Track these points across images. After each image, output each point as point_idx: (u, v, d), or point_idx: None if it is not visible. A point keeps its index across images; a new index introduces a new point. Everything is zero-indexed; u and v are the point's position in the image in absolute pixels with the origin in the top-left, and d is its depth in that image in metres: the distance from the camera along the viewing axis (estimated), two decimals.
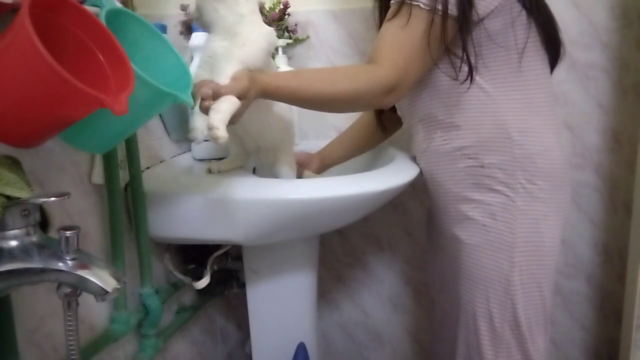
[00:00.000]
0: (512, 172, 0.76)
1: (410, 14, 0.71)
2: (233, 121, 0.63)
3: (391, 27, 0.74)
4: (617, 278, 1.16)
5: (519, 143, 0.75)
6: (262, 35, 0.72)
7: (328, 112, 0.92)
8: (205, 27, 0.75)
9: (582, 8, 1.06)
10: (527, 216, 0.76)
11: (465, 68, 0.73)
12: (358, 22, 1.17)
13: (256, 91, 0.66)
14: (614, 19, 1.07)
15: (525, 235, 0.77)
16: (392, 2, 0.73)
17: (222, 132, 0.59)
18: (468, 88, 0.75)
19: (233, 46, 0.70)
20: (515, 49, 0.74)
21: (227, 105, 0.61)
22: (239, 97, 0.63)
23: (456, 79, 0.75)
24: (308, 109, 0.84)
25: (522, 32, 0.75)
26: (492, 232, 0.77)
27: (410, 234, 1.26)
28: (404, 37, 0.72)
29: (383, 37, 0.75)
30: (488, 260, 0.78)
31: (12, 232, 0.49)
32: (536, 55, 0.77)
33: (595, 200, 1.15)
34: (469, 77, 0.74)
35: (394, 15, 0.73)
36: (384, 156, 1.01)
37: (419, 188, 1.19)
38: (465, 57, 0.72)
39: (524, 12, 0.74)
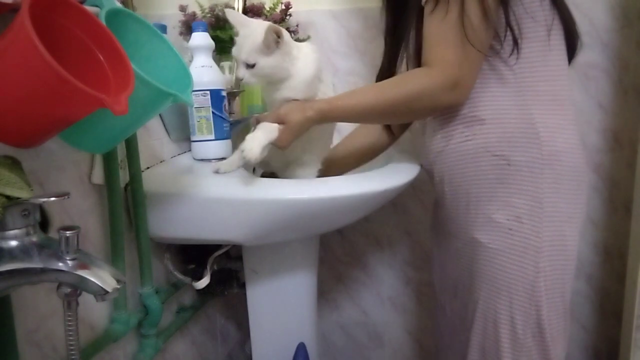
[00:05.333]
0: (540, 171, 0.72)
1: (448, 4, 0.69)
2: (281, 145, 0.74)
3: (432, 23, 0.72)
4: (617, 278, 1.16)
5: (545, 139, 0.72)
6: (301, 76, 0.79)
7: (393, 122, 0.96)
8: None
9: (582, 8, 1.06)
10: (552, 218, 0.73)
11: (510, 41, 0.71)
12: (358, 22, 1.17)
13: (305, 117, 0.75)
14: (614, 19, 1.07)
15: (550, 238, 0.74)
16: (424, 2, 0.72)
17: (250, 154, 0.70)
18: (516, 60, 0.72)
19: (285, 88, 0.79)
20: (545, 25, 0.72)
21: (260, 132, 0.73)
22: (277, 122, 0.74)
23: (498, 54, 0.73)
24: (373, 123, 0.94)
25: (549, 11, 0.73)
26: (517, 235, 0.74)
27: (410, 234, 1.26)
28: (447, 30, 0.70)
29: (427, 36, 0.74)
30: (512, 265, 0.75)
31: (12, 232, 0.49)
32: (559, 43, 0.76)
33: (595, 200, 1.15)
34: (515, 48, 0.71)
35: (432, 10, 0.71)
36: (384, 156, 1.01)
37: (419, 188, 1.19)
38: (509, 29, 0.70)
39: None
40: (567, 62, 0.78)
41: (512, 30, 0.70)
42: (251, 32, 0.76)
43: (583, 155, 0.77)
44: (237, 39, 0.79)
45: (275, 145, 0.75)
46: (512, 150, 0.74)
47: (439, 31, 0.71)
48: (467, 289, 0.83)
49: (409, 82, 0.75)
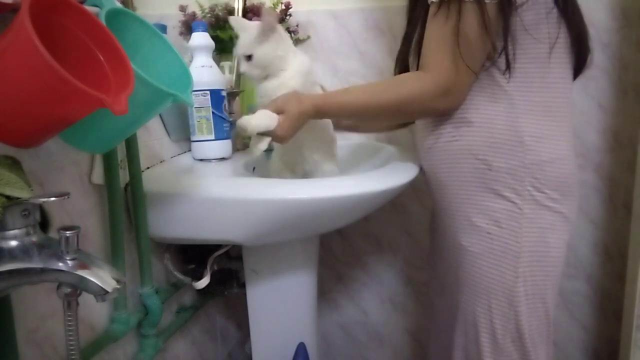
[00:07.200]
0: (520, 178, 0.73)
1: (448, 10, 0.69)
2: (281, 134, 0.73)
3: (432, 29, 0.72)
4: (617, 278, 1.16)
5: (530, 149, 0.72)
6: (297, 66, 0.84)
7: (384, 122, 0.99)
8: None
9: (582, 8, 1.05)
10: (533, 225, 0.73)
11: (503, 58, 0.71)
12: (358, 22, 1.17)
13: (302, 109, 0.74)
14: (614, 19, 1.07)
15: (531, 244, 0.74)
16: (430, 2, 0.72)
17: (246, 123, 0.70)
18: (509, 78, 0.72)
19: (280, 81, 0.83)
20: (547, 42, 0.71)
21: (258, 115, 0.73)
22: (276, 112, 0.73)
23: (496, 64, 0.72)
24: (365, 121, 0.96)
25: (554, 28, 0.72)
26: (496, 240, 0.74)
27: (410, 234, 1.26)
28: (445, 36, 0.70)
29: (427, 40, 0.73)
30: (491, 269, 0.75)
31: (12, 232, 0.48)
32: (563, 57, 0.75)
33: (595, 200, 1.15)
34: (507, 67, 0.71)
35: (435, 13, 0.71)
36: (384, 156, 1.01)
37: (419, 188, 1.20)
38: (504, 46, 0.69)
39: (555, 10, 0.72)
40: (570, 75, 0.77)
41: (506, 51, 0.70)
42: (247, 30, 0.81)
43: (572, 167, 0.76)
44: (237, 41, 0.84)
45: (274, 135, 0.74)
46: (494, 155, 0.74)
47: (437, 36, 0.71)
48: (452, 290, 0.83)
49: (401, 86, 0.75)
